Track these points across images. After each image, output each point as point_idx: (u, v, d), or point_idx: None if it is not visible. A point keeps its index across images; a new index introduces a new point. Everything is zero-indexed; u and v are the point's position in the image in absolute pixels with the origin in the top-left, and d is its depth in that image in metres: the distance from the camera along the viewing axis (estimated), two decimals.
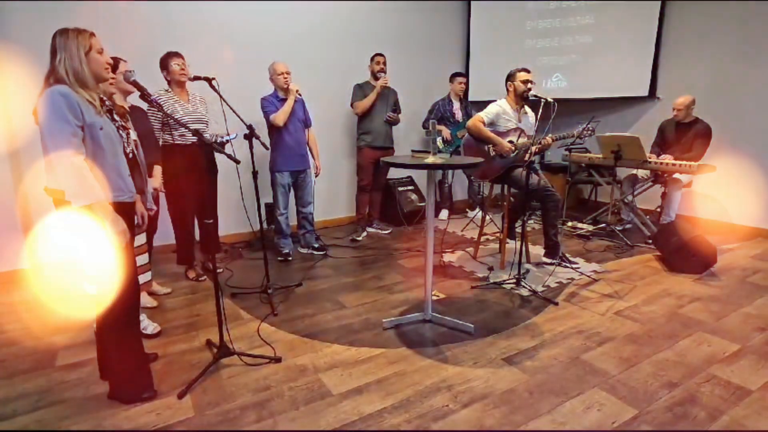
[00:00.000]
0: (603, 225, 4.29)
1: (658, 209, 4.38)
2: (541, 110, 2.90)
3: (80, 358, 2.20)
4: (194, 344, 2.35)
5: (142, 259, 2.55)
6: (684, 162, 3.74)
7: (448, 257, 3.74)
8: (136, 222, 2.05)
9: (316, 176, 3.80)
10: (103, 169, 1.70)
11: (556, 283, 3.13)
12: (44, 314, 2.70)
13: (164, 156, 2.87)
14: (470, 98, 5.38)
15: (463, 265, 3.54)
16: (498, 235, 3.88)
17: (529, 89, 3.24)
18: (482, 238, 3.81)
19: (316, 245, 3.87)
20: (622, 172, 4.43)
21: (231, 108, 2.64)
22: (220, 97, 2.64)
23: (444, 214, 4.99)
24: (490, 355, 2.22)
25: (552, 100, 2.84)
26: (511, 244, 3.63)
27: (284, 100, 3.46)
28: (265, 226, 3.56)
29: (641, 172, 4.19)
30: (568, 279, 3.20)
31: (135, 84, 2.05)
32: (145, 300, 2.72)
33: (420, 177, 5.15)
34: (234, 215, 4.00)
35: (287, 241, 3.73)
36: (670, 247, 3.41)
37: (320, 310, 2.76)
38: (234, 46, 3.98)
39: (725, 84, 4.29)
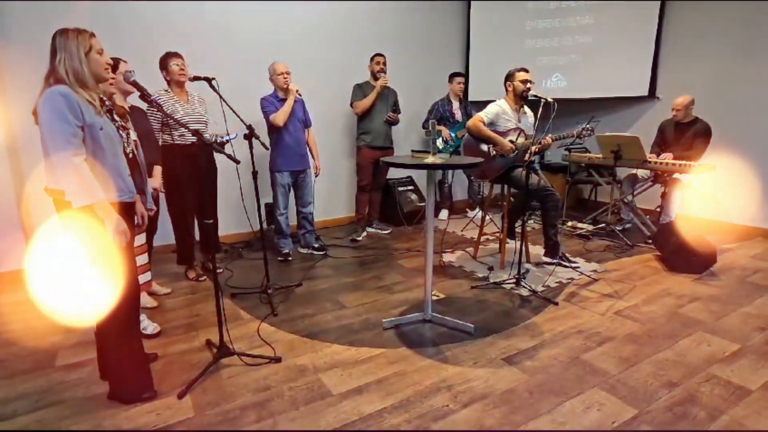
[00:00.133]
0: (603, 225, 4.29)
1: (658, 209, 4.37)
2: (540, 110, 2.90)
3: (80, 358, 2.20)
4: (194, 344, 2.35)
5: (142, 259, 2.56)
6: (682, 162, 3.74)
7: (448, 257, 3.74)
8: (136, 222, 2.05)
9: (315, 176, 3.80)
10: (103, 169, 1.70)
11: (556, 282, 3.13)
12: (44, 314, 2.70)
13: (164, 156, 2.87)
14: (470, 98, 5.38)
15: (463, 265, 3.54)
16: (498, 235, 3.88)
17: (528, 89, 3.24)
18: (482, 238, 3.81)
19: (316, 245, 3.87)
20: (622, 172, 4.43)
21: (231, 108, 2.64)
22: (220, 97, 2.64)
23: (444, 214, 4.99)
24: (490, 355, 2.22)
25: (552, 100, 2.84)
26: (511, 244, 3.63)
27: (284, 100, 3.46)
28: (265, 226, 3.56)
29: (641, 172, 4.19)
30: (568, 279, 3.20)
31: (135, 84, 2.05)
32: (145, 300, 2.72)
33: (420, 177, 5.15)
34: (234, 215, 4.01)
35: (287, 241, 3.73)
36: (669, 247, 3.41)
37: (320, 310, 2.76)
38: (234, 46, 3.98)
39: (725, 84, 4.30)
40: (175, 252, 3.30)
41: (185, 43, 3.45)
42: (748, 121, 4.18)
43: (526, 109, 3.46)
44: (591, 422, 1.74)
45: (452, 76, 4.76)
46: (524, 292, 2.96)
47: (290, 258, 3.70)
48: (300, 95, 3.50)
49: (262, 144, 2.85)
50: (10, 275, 3.19)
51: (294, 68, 3.55)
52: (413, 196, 4.89)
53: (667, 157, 3.92)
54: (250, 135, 2.68)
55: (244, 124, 2.67)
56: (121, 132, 2.02)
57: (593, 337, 2.38)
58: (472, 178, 5.19)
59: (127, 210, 1.80)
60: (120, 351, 1.82)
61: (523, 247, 3.33)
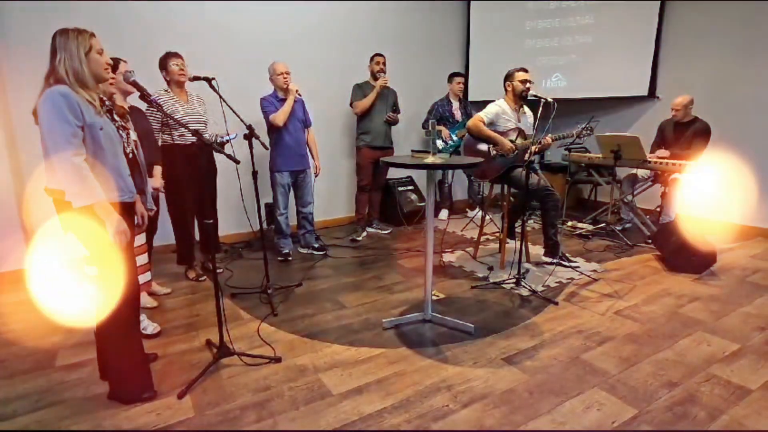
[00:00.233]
0: (603, 225, 4.29)
1: (658, 209, 4.38)
2: (540, 110, 2.90)
3: (80, 358, 2.20)
4: (194, 344, 2.35)
5: (142, 259, 2.56)
6: (680, 161, 3.75)
7: (448, 257, 3.74)
8: (136, 222, 2.05)
9: (315, 176, 3.80)
10: (103, 169, 1.70)
11: (556, 282, 3.14)
12: (44, 314, 2.70)
13: (164, 156, 2.87)
14: (470, 98, 5.39)
15: (463, 265, 3.54)
16: (498, 235, 3.88)
17: (528, 89, 3.24)
18: (482, 238, 3.82)
19: (316, 245, 3.87)
20: (622, 172, 4.43)
21: (231, 108, 2.64)
22: (220, 97, 2.64)
23: (444, 214, 4.99)
24: (490, 355, 2.22)
25: (552, 100, 2.84)
26: (511, 244, 3.63)
27: (284, 100, 3.46)
28: (265, 226, 3.56)
29: (641, 172, 4.19)
30: (568, 279, 3.20)
31: (134, 84, 2.05)
32: (145, 300, 2.72)
33: (420, 177, 5.15)
34: (234, 215, 4.01)
35: (287, 241, 3.73)
36: (669, 247, 3.41)
37: (320, 310, 2.76)
38: (234, 46, 3.98)
39: (725, 83, 4.30)
40: (175, 252, 3.30)
41: (185, 43, 3.46)
42: (748, 121, 4.18)
43: (526, 109, 3.46)
44: (591, 422, 1.74)
45: (452, 76, 4.76)
46: (524, 292, 2.96)
47: (290, 258, 3.70)
48: (300, 95, 3.50)
49: (262, 144, 2.85)
50: (10, 275, 3.19)
51: (294, 68, 3.55)
52: (413, 196, 4.89)
53: (663, 152, 3.93)
54: (250, 135, 2.68)
55: (244, 124, 2.67)
56: (121, 132, 2.02)
57: (593, 337, 2.38)
58: (472, 178, 5.19)
59: (127, 210, 1.80)
60: (120, 351, 1.82)
61: (523, 247, 3.33)
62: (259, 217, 2.86)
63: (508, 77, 3.33)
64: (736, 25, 4.18)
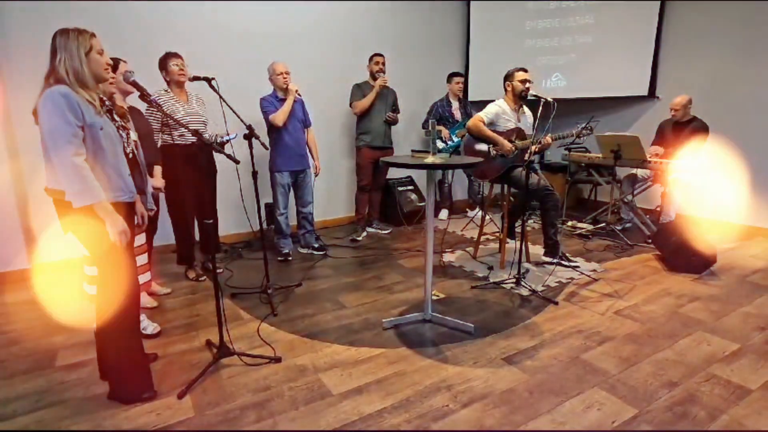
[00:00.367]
0: (603, 224, 4.29)
1: (658, 208, 4.38)
2: (540, 110, 2.90)
3: (80, 358, 2.20)
4: (194, 344, 2.35)
5: (142, 259, 2.56)
6: (672, 161, 3.76)
7: (448, 257, 3.74)
8: (136, 222, 2.05)
9: (315, 176, 3.80)
10: (103, 169, 1.70)
11: (556, 282, 3.14)
12: (44, 314, 2.70)
13: (164, 156, 2.87)
14: (470, 98, 5.39)
15: (463, 264, 3.54)
16: (498, 234, 3.88)
17: (528, 89, 3.24)
18: (482, 238, 3.82)
19: (316, 245, 3.87)
20: (622, 172, 4.43)
21: (230, 108, 2.64)
22: (220, 97, 2.64)
23: (444, 213, 4.99)
24: (490, 355, 2.22)
25: (552, 100, 2.84)
26: (511, 244, 3.63)
27: (283, 100, 3.46)
28: (265, 226, 3.56)
29: (641, 172, 4.20)
30: (568, 278, 3.20)
31: (134, 84, 2.05)
32: (145, 300, 2.72)
33: (420, 177, 5.15)
34: (234, 215, 4.01)
35: (287, 241, 3.73)
36: (669, 247, 3.41)
37: (320, 310, 2.76)
38: (234, 46, 3.98)
39: (725, 83, 4.30)
40: (175, 252, 3.30)
41: (185, 43, 3.46)
42: (748, 121, 4.18)
43: (526, 109, 3.46)
44: (591, 422, 1.74)
45: (451, 76, 4.76)
46: (524, 292, 2.96)
47: (290, 258, 3.70)
48: (299, 95, 3.50)
49: (262, 144, 2.85)
50: (10, 275, 3.20)
51: (293, 68, 3.55)
52: (413, 196, 4.89)
53: (656, 151, 3.94)
54: (250, 135, 2.68)
55: (244, 124, 2.67)
56: (121, 132, 2.02)
57: (593, 337, 2.38)
58: (472, 178, 5.19)
59: (127, 210, 1.80)
60: (120, 351, 1.82)
61: (523, 247, 3.33)
62: (259, 217, 2.86)
63: (508, 77, 3.33)
64: (736, 25, 4.18)
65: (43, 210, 3.16)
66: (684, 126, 3.99)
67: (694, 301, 2.81)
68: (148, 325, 2.43)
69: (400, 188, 4.87)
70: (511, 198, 3.63)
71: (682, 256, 3.29)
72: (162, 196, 2.92)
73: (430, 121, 2.48)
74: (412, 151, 2.72)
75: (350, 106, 4.14)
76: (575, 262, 3.49)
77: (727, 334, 2.40)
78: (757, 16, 4.03)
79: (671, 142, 4.05)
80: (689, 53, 4.52)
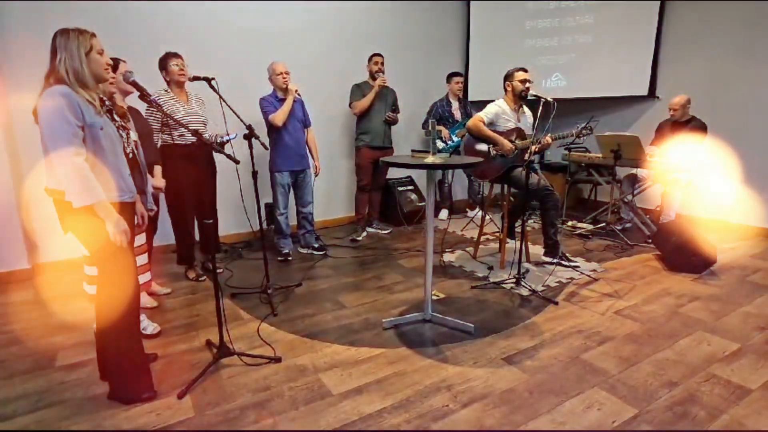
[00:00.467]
0: (603, 224, 4.29)
1: (658, 208, 4.38)
2: (540, 110, 2.90)
3: (80, 358, 2.20)
4: (194, 344, 2.35)
5: (142, 259, 2.56)
6: (677, 161, 3.76)
7: (448, 257, 3.74)
8: (136, 222, 2.05)
9: (315, 176, 3.80)
10: (103, 169, 1.70)
11: (556, 282, 3.14)
12: (44, 314, 2.70)
13: (164, 156, 2.87)
14: (470, 98, 5.39)
15: (463, 265, 3.54)
16: (498, 234, 3.88)
17: (528, 89, 3.24)
18: (482, 238, 3.81)
19: (316, 245, 3.87)
20: (622, 172, 4.43)
21: (230, 108, 2.64)
22: (220, 97, 2.64)
23: (444, 213, 4.99)
24: (490, 355, 2.22)
25: (551, 100, 2.84)
26: (511, 244, 3.63)
27: (283, 100, 3.46)
28: (265, 226, 3.56)
29: (641, 172, 4.20)
30: (568, 278, 3.20)
31: (134, 84, 2.05)
32: (145, 300, 2.72)
33: (420, 177, 5.15)
34: (234, 215, 4.01)
35: (287, 241, 3.73)
36: (669, 247, 3.41)
37: (320, 310, 2.76)
38: (233, 46, 3.98)
39: (725, 83, 4.30)
40: (175, 252, 3.30)
41: (185, 43, 3.46)
42: (749, 121, 4.18)
43: (525, 108, 3.46)
44: (591, 422, 1.74)
45: (450, 75, 4.76)
46: (524, 292, 2.96)
47: (290, 258, 3.70)
48: (299, 95, 3.50)
49: (262, 144, 2.85)
50: (10, 275, 3.20)
51: (293, 68, 3.55)
52: (413, 196, 4.89)
53: (650, 152, 3.94)
54: (250, 135, 2.67)
55: (244, 124, 2.67)
56: (121, 132, 2.02)
57: (593, 337, 2.38)
58: (472, 178, 5.19)
59: (127, 210, 1.80)
60: (120, 351, 1.82)
61: (523, 247, 3.33)
62: (259, 217, 2.86)
63: (508, 77, 3.33)
64: (735, 25, 4.18)
65: (43, 210, 3.16)
66: (683, 126, 3.99)
67: (694, 301, 2.81)
68: (148, 325, 2.43)
69: (400, 188, 4.87)
70: (511, 198, 3.63)
71: (682, 256, 3.29)
72: (162, 196, 2.92)
73: (430, 121, 2.48)
74: (412, 151, 2.72)
75: (350, 106, 4.14)
76: (575, 262, 3.49)
77: (727, 333, 2.40)
78: (757, 16, 4.03)
79: (670, 141, 4.05)
80: (689, 53, 4.52)
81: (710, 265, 3.31)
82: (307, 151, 3.71)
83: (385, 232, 4.50)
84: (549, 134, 3.25)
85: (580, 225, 4.51)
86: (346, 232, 4.47)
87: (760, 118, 4.12)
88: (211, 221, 2.32)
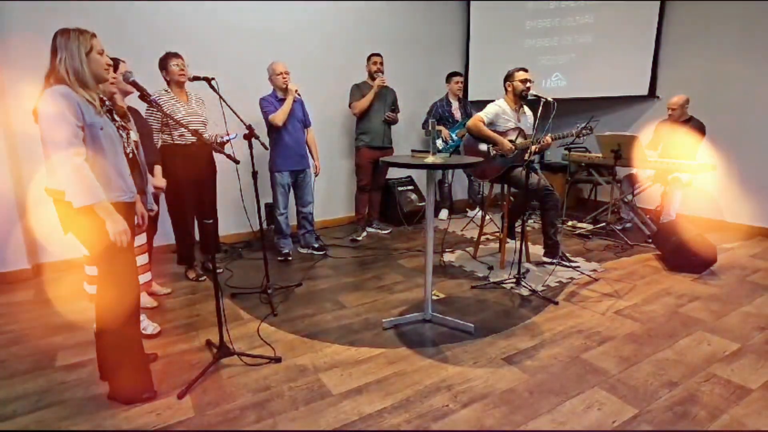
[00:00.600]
0: (603, 224, 4.29)
1: (658, 208, 4.38)
2: (540, 110, 2.90)
3: (80, 358, 2.20)
4: (194, 344, 2.35)
5: (142, 259, 2.56)
6: (678, 161, 3.76)
7: (448, 257, 3.74)
8: (136, 222, 2.05)
9: (315, 176, 3.80)
10: (103, 169, 1.70)
11: (556, 282, 3.14)
12: (44, 314, 2.70)
13: (164, 156, 2.87)
14: (470, 98, 5.39)
15: (463, 264, 3.54)
16: (498, 234, 3.88)
17: (528, 89, 3.24)
18: (482, 238, 3.81)
19: (316, 245, 3.87)
20: (622, 172, 4.43)
21: (230, 108, 2.64)
22: (220, 97, 2.64)
23: (444, 213, 4.99)
24: (490, 355, 2.22)
25: (552, 100, 2.84)
26: (511, 244, 3.63)
27: (283, 100, 3.46)
28: (265, 226, 3.56)
29: (641, 172, 4.20)
30: (568, 278, 3.20)
31: (134, 84, 2.05)
32: (145, 300, 2.72)
33: (420, 177, 5.15)
34: (234, 215, 4.01)
35: (287, 241, 3.73)
36: (669, 247, 3.41)
37: (320, 310, 2.76)
38: (233, 46, 3.98)
39: (725, 83, 4.30)
40: (175, 252, 3.30)
41: (185, 43, 3.46)
42: (748, 121, 4.18)
43: (526, 108, 3.46)
44: (591, 422, 1.74)
45: (450, 75, 4.76)
46: (524, 292, 2.96)
47: (290, 258, 3.70)
48: (299, 95, 3.50)
49: (262, 144, 2.85)
50: (10, 275, 3.20)
51: (293, 68, 3.55)
52: (413, 196, 4.89)
53: (651, 153, 3.95)
54: (250, 135, 2.68)
55: (244, 124, 2.67)
56: (121, 132, 2.02)
57: (593, 337, 2.38)
58: (472, 178, 5.19)
59: (127, 210, 1.80)
60: (120, 351, 1.82)
61: (523, 247, 3.33)
62: (259, 217, 2.86)
63: (508, 77, 3.33)
64: (735, 25, 4.18)
65: (43, 210, 3.16)
66: (681, 126, 3.99)
67: (694, 301, 2.81)
68: (148, 325, 2.43)
69: (400, 188, 4.87)
70: (511, 198, 3.63)
71: (682, 256, 3.29)
72: (162, 196, 2.92)
73: (430, 121, 2.48)
74: (412, 151, 2.72)
75: (349, 106, 4.14)
76: (575, 262, 3.49)
77: (727, 333, 2.40)
78: (757, 16, 4.03)
79: (668, 142, 4.05)
80: (689, 53, 4.52)
81: (710, 265, 3.31)
82: (307, 151, 3.71)
83: (385, 232, 4.50)
84: (549, 134, 3.24)
85: (580, 225, 4.51)
86: (346, 232, 4.47)
87: (760, 117, 4.11)
88: (211, 221, 2.32)
